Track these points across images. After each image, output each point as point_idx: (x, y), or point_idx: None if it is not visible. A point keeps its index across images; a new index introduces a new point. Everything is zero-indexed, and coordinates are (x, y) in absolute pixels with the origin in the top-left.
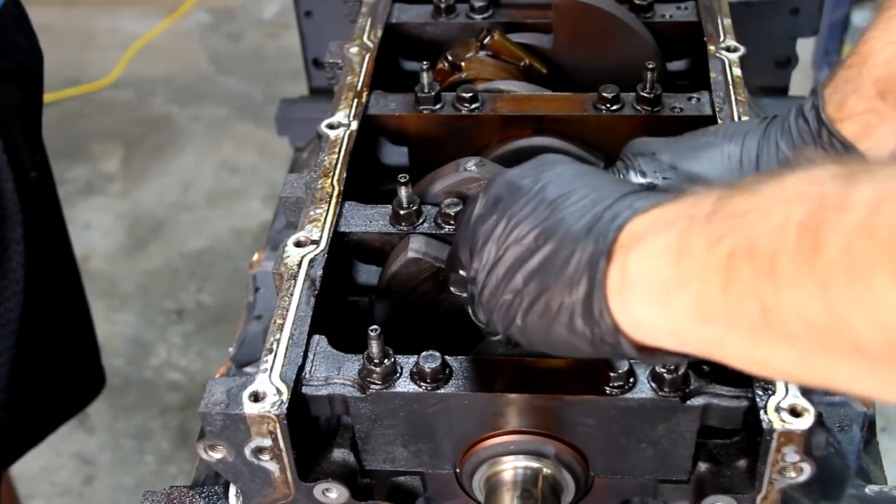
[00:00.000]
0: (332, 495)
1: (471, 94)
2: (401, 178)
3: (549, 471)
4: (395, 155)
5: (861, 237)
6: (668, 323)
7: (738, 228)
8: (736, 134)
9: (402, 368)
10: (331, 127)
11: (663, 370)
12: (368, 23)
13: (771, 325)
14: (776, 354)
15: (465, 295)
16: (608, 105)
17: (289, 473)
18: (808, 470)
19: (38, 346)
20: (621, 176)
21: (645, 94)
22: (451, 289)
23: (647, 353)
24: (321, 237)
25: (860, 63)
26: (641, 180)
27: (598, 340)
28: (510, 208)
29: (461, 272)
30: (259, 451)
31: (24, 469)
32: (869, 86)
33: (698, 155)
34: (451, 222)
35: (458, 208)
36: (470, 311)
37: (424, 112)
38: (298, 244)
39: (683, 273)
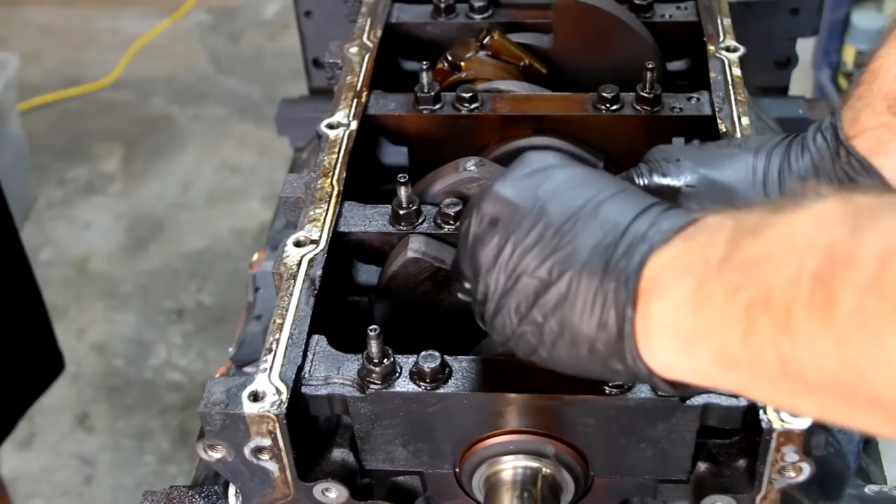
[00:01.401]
0: (332, 495)
1: (470, 94)
2: (400, 178)
3: (548, 471)
4: (394, 155)
5: (872, 296)
6: (694, 368)
7: (754, 279)
8: (761, 149)
9: (401, 368)
10: (330, 127)
11: None
12: (368, 23)
13: (790, 376)
14: (798, 402)
15: (471, 300)
16: (608, 105)
17: (288, 473)
18: (807, 470)
19: None
20: (644, 179)
21: (645, 94)
22: (459, 296)
23: (682, 387)
24: (321, 237)
25: (871, 80)
26: (664, 182)
27: (633, 376)
28: (513, 233)
29: (466, 284)
30: (258, 450)
31: (24, 469)
32: (879, 101)
33: (722, 164)
34: (451, 222)
35: (458, 208)
36: (480, 324)
37: (424, 112)
38: (298, 244)
39: (704, 323)
